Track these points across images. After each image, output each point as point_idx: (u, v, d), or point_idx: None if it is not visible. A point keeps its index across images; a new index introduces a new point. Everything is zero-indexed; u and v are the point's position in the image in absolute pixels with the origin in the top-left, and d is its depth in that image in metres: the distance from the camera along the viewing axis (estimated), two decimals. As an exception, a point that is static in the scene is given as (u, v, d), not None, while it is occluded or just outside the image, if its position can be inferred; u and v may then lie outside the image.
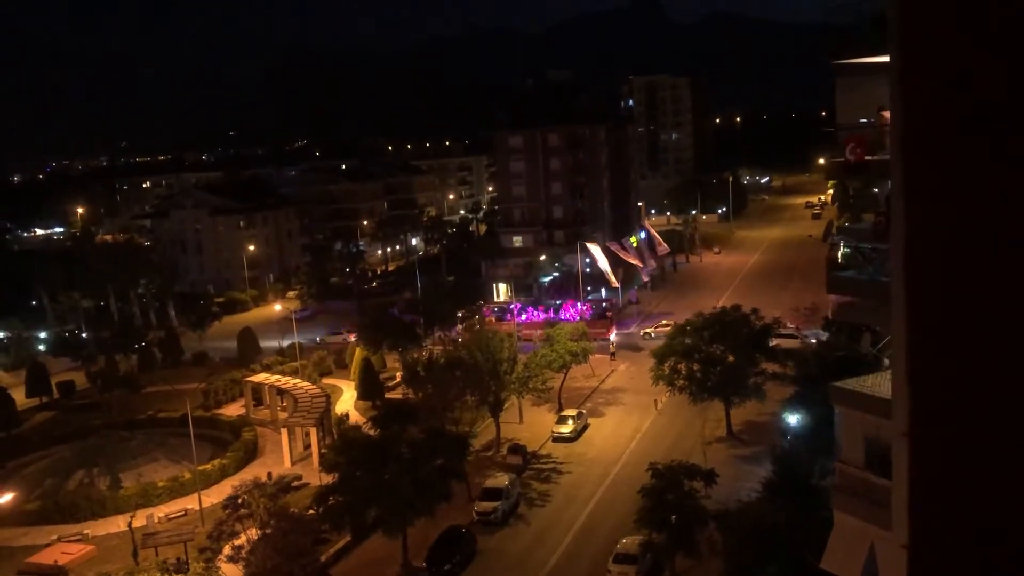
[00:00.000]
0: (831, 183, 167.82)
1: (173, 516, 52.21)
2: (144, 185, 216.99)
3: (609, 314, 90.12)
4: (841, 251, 28.18)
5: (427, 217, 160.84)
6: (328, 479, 45.96)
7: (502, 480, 51.01)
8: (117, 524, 50.59)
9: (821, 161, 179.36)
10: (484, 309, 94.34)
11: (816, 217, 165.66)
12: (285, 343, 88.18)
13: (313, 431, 59.22)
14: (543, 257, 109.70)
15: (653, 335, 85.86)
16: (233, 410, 72.62)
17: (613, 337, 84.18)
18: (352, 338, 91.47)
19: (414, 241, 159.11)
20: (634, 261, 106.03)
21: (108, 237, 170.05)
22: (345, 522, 43.89)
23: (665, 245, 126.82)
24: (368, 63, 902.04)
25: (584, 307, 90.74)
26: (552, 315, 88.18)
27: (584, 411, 65.12)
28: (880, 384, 24.89)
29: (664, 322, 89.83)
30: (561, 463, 57.06)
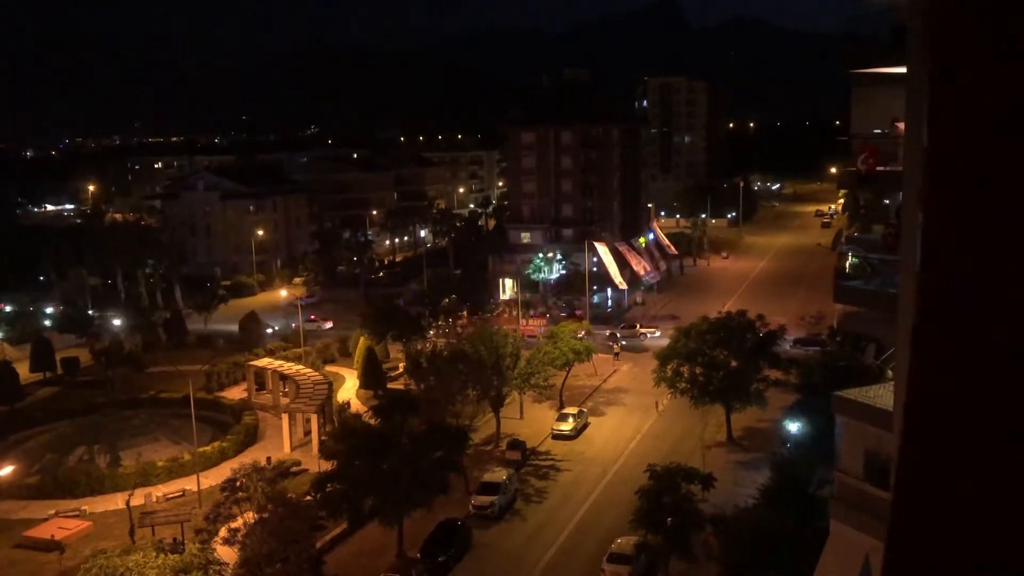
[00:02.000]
0: (842, 192, 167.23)
1: (171, 496, 52.40)
2: (156, 166, 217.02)
3: (578, 313, 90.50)
4: (849, 261, 28.11)
5: (436, 210, 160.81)
6: (327, 466, 46.08)
7: (500, 475, 51.06)
8: (115, 502, 50.82)
9: (833, 170, 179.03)
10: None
11: (826, 226, 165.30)
12: (277, 327, 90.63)
13: (314, 418, 59.36)
14: (551, 254, 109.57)
15: (619, 336, 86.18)
16: (235, 393, 72.76)
17: (582, 335, 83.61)
18: (327, 326, 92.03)
19: (422, 233, 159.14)
20: (638, 268, 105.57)
21: (118, 216, 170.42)
22: (342, 510, 43.96)
23: (672, 248, 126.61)
24: (387, 57, 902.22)
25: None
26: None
27: (585, 410, 65.14)
28: (883, 395, 24.84)
29: (632, 322, 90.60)
30: (560, 461, 57.10)
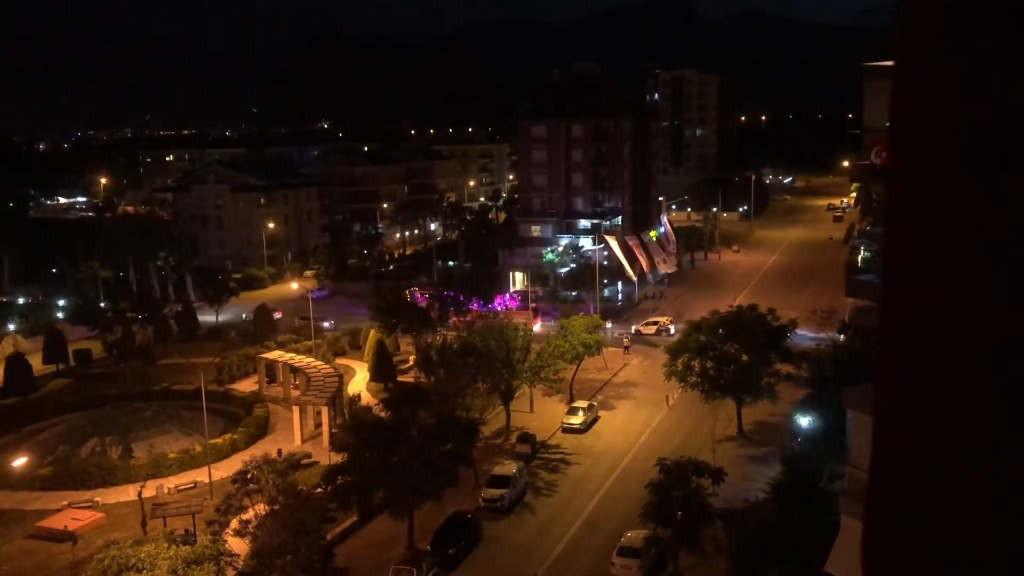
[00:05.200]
0: (855, 186, 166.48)
1: (182, 488, 52.66)
2: (167, 159, 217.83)
3: (533, 306, 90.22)
4: (861, 255, 28.03)
5: (447, 203, 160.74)
6: (337, 459, 46.21)
7: (510, 468, 51.10)
8: (127, 493, 51.10)
9: (846, 163, 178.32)
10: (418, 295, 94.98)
11: (838, 220, 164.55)
12: (277, 316, 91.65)
13: (324, 410, 59.51)
14: (561, 247, 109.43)
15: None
16: (246, 386, 73.04)
17: (538, 328, 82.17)
18: (276, 315, 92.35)
19: (433, 226, 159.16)
20: (645, 264, 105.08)
21: (129, 209, 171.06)
22: (352, 502, 44.12)
23: (674, 244, 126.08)
24: (398, 49, 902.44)
25: (510, 298, 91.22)
26: (481, 306, 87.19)
27: (595, 403, 65.08)
28: (894, 390, 24.73)
29: (581, 315, 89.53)
30: (570, 454, 57.10)
